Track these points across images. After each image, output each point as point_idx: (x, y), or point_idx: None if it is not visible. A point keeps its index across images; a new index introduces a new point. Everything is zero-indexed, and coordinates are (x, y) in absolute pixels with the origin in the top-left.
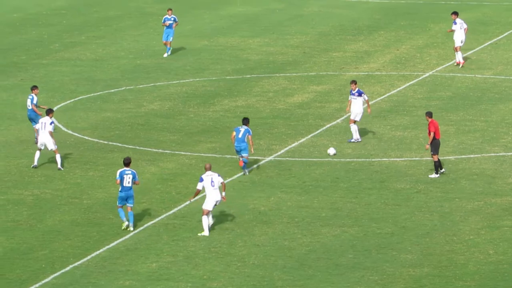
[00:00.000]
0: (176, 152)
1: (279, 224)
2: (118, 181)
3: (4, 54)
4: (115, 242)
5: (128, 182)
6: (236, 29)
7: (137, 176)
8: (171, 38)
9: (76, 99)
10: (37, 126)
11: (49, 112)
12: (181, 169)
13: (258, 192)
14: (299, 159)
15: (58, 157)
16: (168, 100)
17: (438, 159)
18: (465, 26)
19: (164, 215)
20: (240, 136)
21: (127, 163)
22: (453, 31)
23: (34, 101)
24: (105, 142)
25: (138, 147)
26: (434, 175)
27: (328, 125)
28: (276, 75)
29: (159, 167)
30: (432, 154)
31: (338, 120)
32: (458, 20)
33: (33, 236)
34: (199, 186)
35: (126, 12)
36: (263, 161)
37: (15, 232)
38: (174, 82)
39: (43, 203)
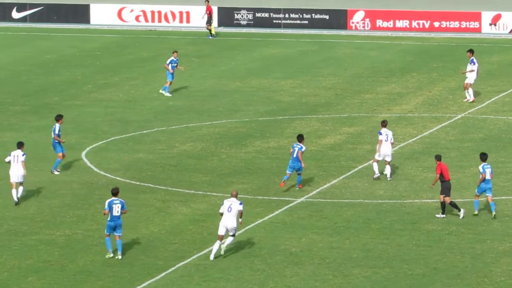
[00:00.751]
0: (208, 193)
1: (310, 265)
2: (107, 211)
3: (37, 95)
4: (147, 283)
5: (117, 212)
6: (269, 71)
7: (125, 206)
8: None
9: (108, 140)
10: (8, 159)
11: (20, 145)
12: (213, 210)
13: (289, 233)
14: (331, 200)
15: (21, 189)
16: (200, 141)
17: (452, 201)
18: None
19: (196, 256)
20: (294, 155)
21: (115, 193)
22: (471, 71)
23: (56, 131)
24: (137, 183)
25: (170, 188)
26: (440, 215)
27: (360, 167)
28: (308, 116)
29: (191, 208)
30: (442, 196)
31: (371, 161)
32: (474, 59)
33: (65, 277)
34: (220, 209)
35: (159, 53)
36: (294, 202)
37: (47, 273)
38: (206, 123)
39: (74, 243)
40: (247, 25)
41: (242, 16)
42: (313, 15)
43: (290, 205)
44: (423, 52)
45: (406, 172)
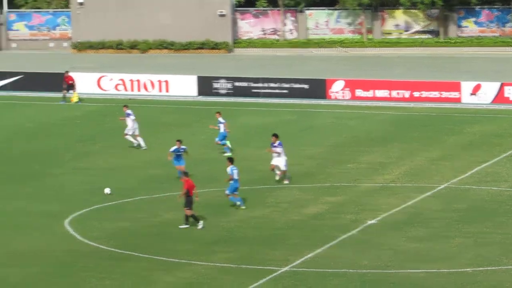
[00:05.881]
0: (192, 262)
1: None
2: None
3: (18, 163)
4: None
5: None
6: (249, 140)
7: None
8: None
9: (90, 208)
10: None
11: None
12: (197, 279)
13: None
14: (315, 270)
15: None
16: (182, 210)
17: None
18: None
19: None
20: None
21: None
22: None
23: None
24: (121, 251)
25: (153, 256)
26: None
27: (344, 236)
28: (290, 185)
29: (175, 276)
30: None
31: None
32: None
33: None
34: None
35: (141, 121)
36: (279, 272)
37: None
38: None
39: None
40: (227, 94)
41: (221, 85)
42: (292, 84)
43: (274, 274)
44: (404, 121)
45: (389, 242)
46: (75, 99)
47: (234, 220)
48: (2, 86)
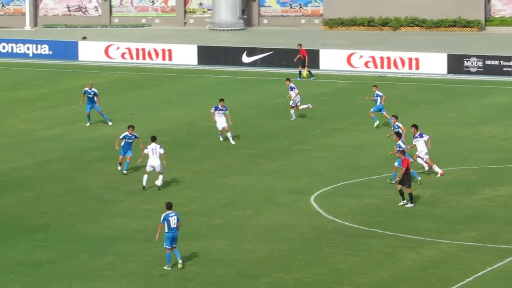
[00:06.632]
0: (437, 240)
1: None
2: (162, 225)
3: (267, 139)
4: None
5: (174, 224)
6: (498, 119)
7: (179, 218)
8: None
9: (337, 185)
10: (146, 151)
11: (154, 139)
12: (442, 257)
13: None
14: None
15: (160, 178)
16: (429, 188)
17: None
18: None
19: None
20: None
21: (169, 206)
22: None
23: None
24: (366, 228)
25: (398, 234)
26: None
27: None
28: None
29: (419, 254)
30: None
31: None
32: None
33: None
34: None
35: (389, 99)
36: None
37: None
38: None
39: (303, 287)
40: (477, 73)
41: (471, 63)
42: None
43: None
44: None
45: None
46: (305, 74)
47: (481, 199)
48: (252, 62)
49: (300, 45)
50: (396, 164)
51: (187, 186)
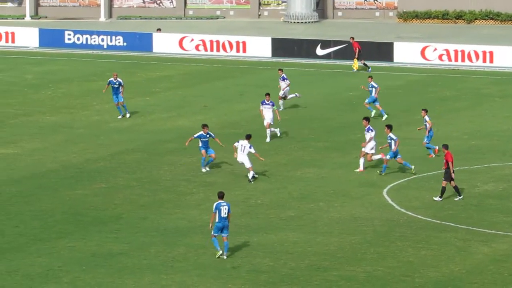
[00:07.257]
0: (509, 234)
1: None
2: (214, 214)
3: (340, 132)
4: None
5: (225, 213)
6: None
7: (230, 209)
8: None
9: (409, 178)
10: (236, 145)
11: (248, 137)
12: None
13: None
14: None
15: (251, 173)
16: (502, 182)
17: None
18: None
19: None
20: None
21: (221, 195)
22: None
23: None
24: (438, 221)
25: (471, 228)
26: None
27: None
28: None
29: (492, 248)
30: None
31: None
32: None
33: None
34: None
35: (462, 92)
36: None
37: None
38: (509, 163)
39: (374, 280)
40: None
41: None
42: None
43: None
44: None
45: None
46: (355, 66)
47: None
48: (326, 54)
49: (352, 38)
50: (388, 157)
51: (260, 179)
